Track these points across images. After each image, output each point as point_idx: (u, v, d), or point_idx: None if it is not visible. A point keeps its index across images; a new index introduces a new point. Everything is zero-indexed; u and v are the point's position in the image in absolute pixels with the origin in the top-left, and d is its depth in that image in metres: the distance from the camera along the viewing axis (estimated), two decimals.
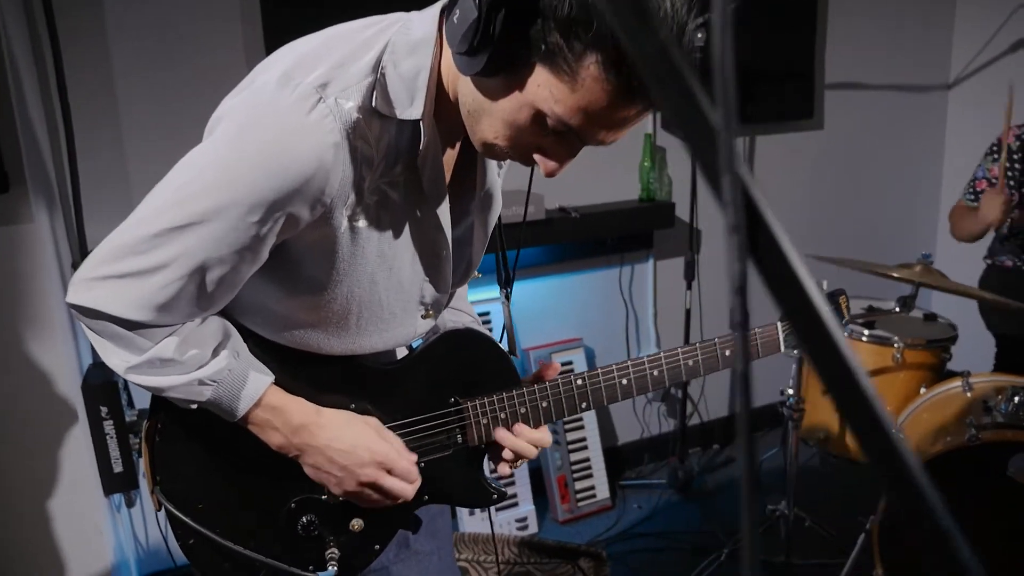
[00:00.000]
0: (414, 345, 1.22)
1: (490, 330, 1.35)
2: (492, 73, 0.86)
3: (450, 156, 1.06)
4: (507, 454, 1.17)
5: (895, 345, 2.47)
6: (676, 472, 3.06)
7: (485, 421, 1.16)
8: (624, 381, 1.21)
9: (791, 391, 2.41)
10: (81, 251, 2.14)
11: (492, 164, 1.14)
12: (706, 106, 0.30)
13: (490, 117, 0.91)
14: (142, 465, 1.12)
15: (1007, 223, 2.52)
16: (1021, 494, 1.91)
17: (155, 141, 2.22)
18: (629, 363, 1.21)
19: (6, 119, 1.76)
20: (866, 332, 2.53)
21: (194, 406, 1.01)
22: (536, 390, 1.17)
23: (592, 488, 2.95)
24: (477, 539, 2.35)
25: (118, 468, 1.95)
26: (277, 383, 1.04)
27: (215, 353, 1.00)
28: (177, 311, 0.95)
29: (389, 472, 1.07)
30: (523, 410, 1.16)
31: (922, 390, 2.45)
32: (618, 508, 2.98)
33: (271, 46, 2.31)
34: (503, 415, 1.16)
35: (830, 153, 3.40)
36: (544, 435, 1.19)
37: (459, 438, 1.16)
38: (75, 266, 2.11)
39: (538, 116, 0.88)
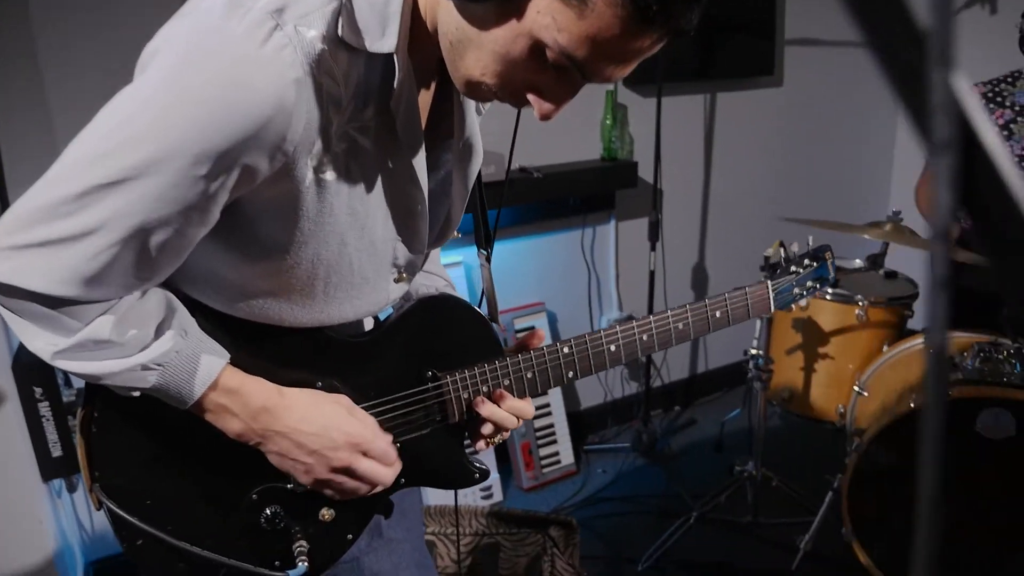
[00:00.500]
0: (382, 316, 1.10)
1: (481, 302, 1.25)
2: None
3: (424, 98, 0.94)
4: (487, 428, 1.07)
5: (859, 303, 2.47)
6: (640, 435, 3.04)
7: (466, 396, 1.06)
8: (612, 348, 1.13)
9: (757, 351, 2.38)
10: (2, 202, 1.94)
11: (471, 108, 1.00)
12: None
13: (478, 50, 0.79)
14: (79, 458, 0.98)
15: None
16: (990, 449, 1.92)
17: (81, 80, 2.00)
18: (618, 328, 1.14)
19: None
20: (830, 291, 2.52)
21: (136, 393, 0.88)
22: (520, 360, 1.08)
23: (556, 454, 2.91)
24: (444, 511, 2.28)
25: (56, 452, 1.80)
26: (233, 363, 0.91)
27: (159, 332, 0.86)
28: (111, 284, 0.80)
29: (365, 454, 0.96)
30: (506, 382, 1.07)
31: (884, 348, 2.46)
32: (583, 473, 2.95)
33: None
34: (485, 388, 1.06)
35: (790, 109, 3.37)
36: (528, 406, 1.09)
37: (438, 415, 1.06)
38: None
39: (536, 48, 0.77)
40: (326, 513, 1.03)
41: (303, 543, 1.01)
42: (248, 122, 0.73)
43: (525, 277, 2.91)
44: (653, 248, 2.84)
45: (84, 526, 2.26)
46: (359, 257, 0.91)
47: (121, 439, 0.95)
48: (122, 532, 0.96)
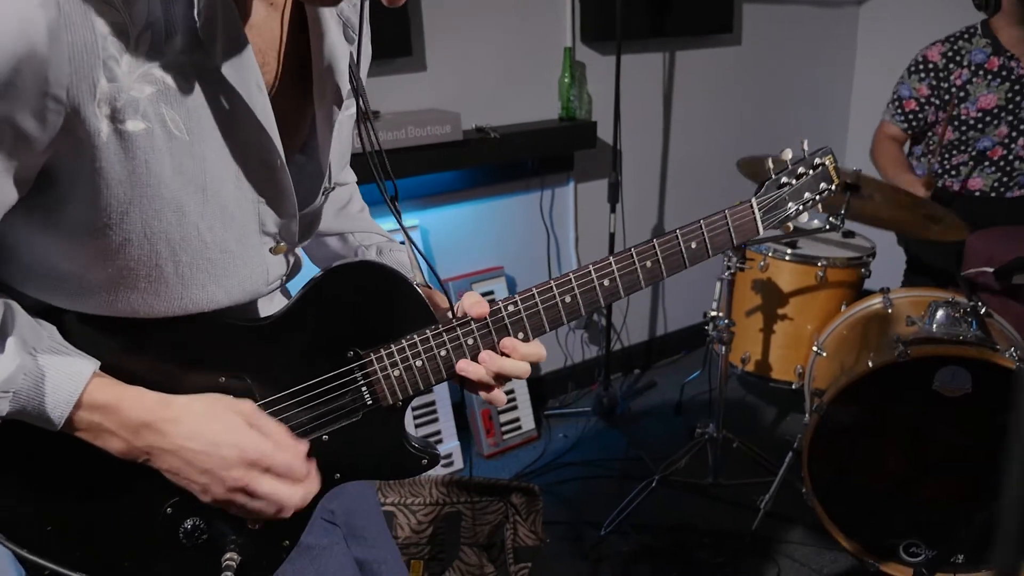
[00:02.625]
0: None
1: (422, 266, 1.10)
2: None
3: (272, 28, 0.81)
4: (480, 372, 0.94)
5: (819, 264, 2.47)
6: (600, 399, 3.02)
7: (397, 373, 0.93)
8: (568, 299, 0.97)
9: (717, 312, 2.37)
10: None
11: (333, 28, 0.86)
12: None
13: None
14: None
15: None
16: (947, 407, 1.94)
17: None
18: (572, 276, 0.97)
19: None
20: (789, 251, 2.52)
21: None
22: (457, 327, 0.93)
23: (517, 420, 2.88)
24: (402, 481, 2.24)
25: None
26: (118, 368, 0.80)
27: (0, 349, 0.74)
28: None
29: (267, 471, 0.84)
30: (443, 352, 0.94)
31: (842, 307, 2.47)
32: (544, 438, 2.93)
33: None
34: (419, 362, 0.93)
35: (748, 68, 3.33)
36: (539, 348, 0.96)
37: (368, 399, 0.93)
38: None
39: None
40: (254, 523, 0.92)
41: (233, 555, 0.90)
42: None
43: (483, 241, 2.84)
44: (613, 210, 2.80)
45: None
46: (209, 225, 0.78)
47: (4, 461, 0.83)
48: (25, 564, 0.85)
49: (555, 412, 3.09)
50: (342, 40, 0.87)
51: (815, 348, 2.39)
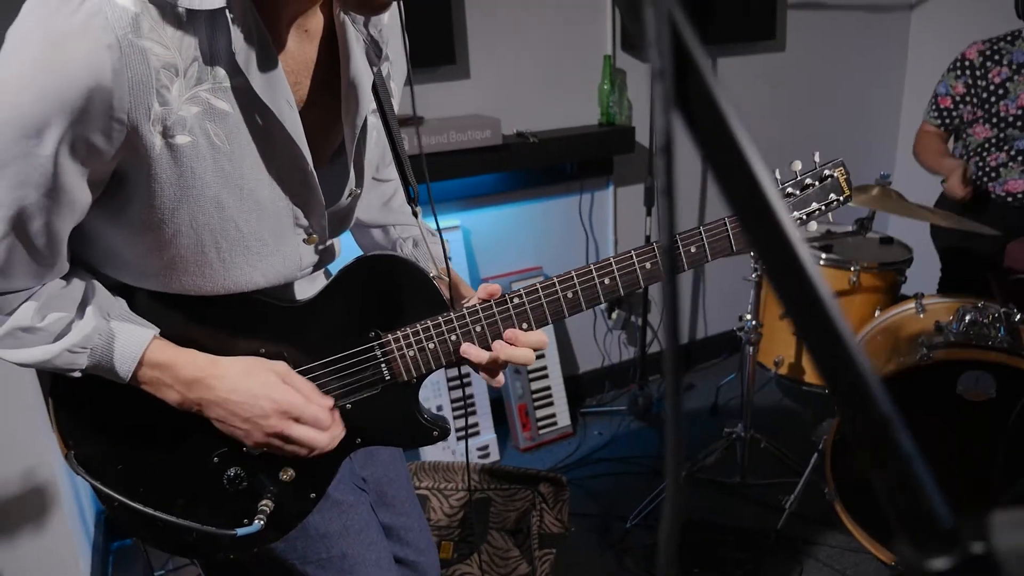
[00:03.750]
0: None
1: (449, 257, 1.22)
2: None
3: (306, 53, 0.93)
4: (484, 357, 1.05)
5: (852, 268, 2.48)
6: (636, 399, 3.08)
7: (412, 353, 1.05)
8: (570, 294, 1.06)
9: (749, 316, 2.41)
10: None
11: (357, 51, 0.98)
12: None
13: None
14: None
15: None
16: (971, 411, 1.95)
17: None
18: (573, 273, 1.06)
19: None
20: (823, 255, 2.53)
21: (78, 374, 0.93)
22: (467, 314, 1.04)
23: (553, 416, 2.97)
24: (437, 467, 2.35)
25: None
26: (178, 335, 0.96)
27: (80, 314, 0.91)
28: (17, 272, 0.86)
29: (297, 420, 0.98)
30: (453, 337, 1.05)
31: (876, 313, 2.48)
32: (579, 435, 3.01)
33: None
34: (431, 345, 1.05)
35: (792, 74, 3.35)
36: (542, 336, 1.06)
37: (386, 374, 1.06)
38: None
39: None
40: (286, 473, 1.06)
41: (268, 502, 1.05)
42: (69, 95, 0.75)
43: (522, 242, 2.94)
44: (649, 213, 2.86)
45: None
46: (246, 220, 0.91)
47: (85, 410, 1.00)
48: (100, 495, 1.02)
49: (591, 410, 3.16)
50: (365, 63, 0.99)
51: None
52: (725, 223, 1.12)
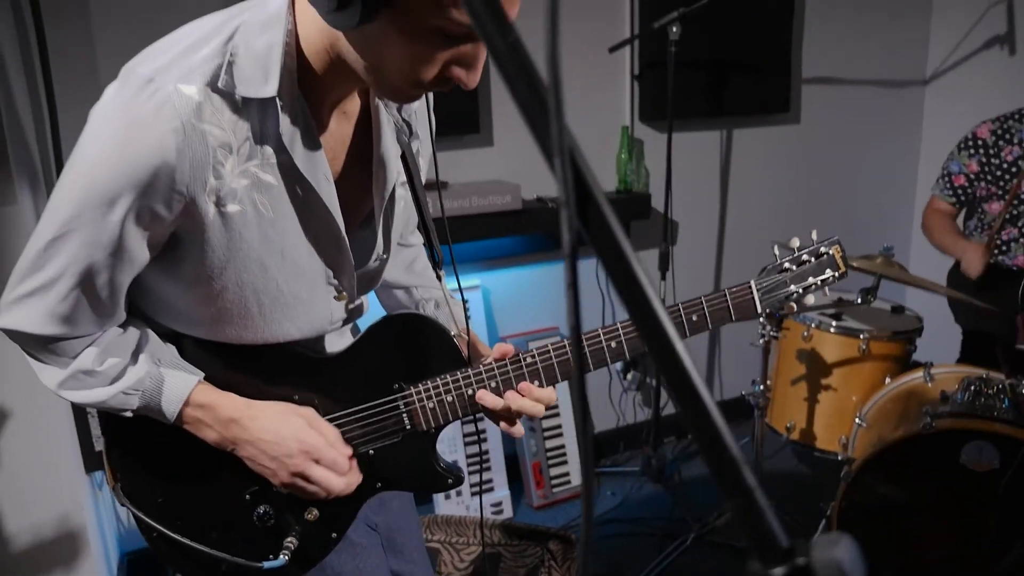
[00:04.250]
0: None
1: (469, 316, 1.32)
2: (371, 16, 0.81)
3: (343, 131, 1.04)
4: (499, 404, 1.14)
5: (861, 336, 2.53)
6: (650, 460, 3.12)
7: (431, 405, 1.15)
8: (614, 344, 1.15)
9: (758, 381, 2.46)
10: None
11: (387, 131, 1.08)
12: (550, 95, 0.34)
13: (393, 62, 0.87)
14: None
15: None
16: (974, 481, 1.97)
17: None
18: (583, 336, 1.14)
19: None
20: (834, 324, 2.59)
21: (129, 413, 1.04)
22: (483, 370, 1.14)
23: (567, 475, 3.01)
24: (449, 521, 2.41)
25: (99, 446, 1.99)
26: (220, 380, 1.06)
27: (134, 359, 1.02)
28: (82, 320, 0.98)
29: (318, 462, 1.07)
30: (470, 391, 1.15)
31: (887, 380, 2.51)
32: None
33: None
34: (450, 398, 1.15)
35: (806, 146, 3.45)
36: (551, 393, 1.16)
37: (407, 423, 1.15)
38: None
39: (437, 32, 0.83)
40: (311, 513, 1.15)
41: (292, 539, 1.14)
42: (139, 171, 0.86)
43: (540, 302, 3.04)
44: (663, 278, 2.95)
45: (121, 518, 2.45)
46: (285, 279, 1.02)
47: (133, 446, 1.12)
48: (140, 525, 1.13)
49: (605, 470, 3.20)
50: (394, 142, 1.11)
51: (857, 419, 2.44)
52: (725, 294, 1.21)
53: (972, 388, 2.11)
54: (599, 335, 1.16)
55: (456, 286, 1.25)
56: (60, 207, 0.91)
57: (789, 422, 2.73)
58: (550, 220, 2.80)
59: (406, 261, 1.35)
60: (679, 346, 0.38)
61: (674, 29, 2.65)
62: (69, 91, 2.17)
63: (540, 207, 2.78)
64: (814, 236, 1.29)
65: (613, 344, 1.16)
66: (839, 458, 2.58)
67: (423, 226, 1.21)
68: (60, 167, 2.14)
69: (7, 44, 1.96)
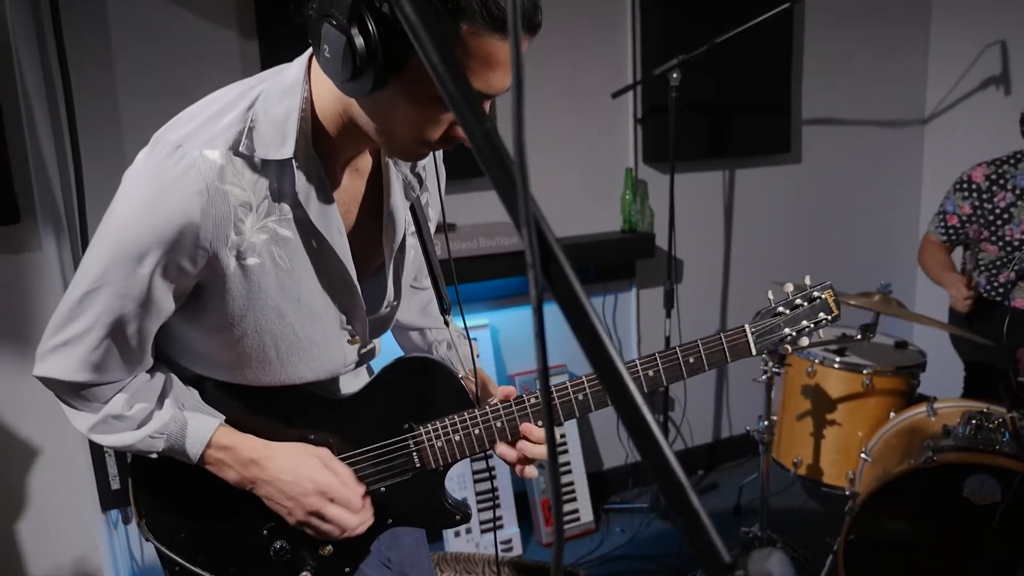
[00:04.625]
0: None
1: (478, 355, 1.38)
2: (382, 84, 0.87)
3: (356, 187, 1.12)
4: (513, 455, 1.20)
5: (864, 372, 2.56)
6: (659, 497, 3.13)
7: (440, 444, 1.20)
8: (580, 396, 1.20)
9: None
10: None
11: (396, 187, 1.15)
12: (516, 173, 0.41)
13: (402, 125, 0.94)
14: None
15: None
16: (976, 514, 1.99)
17: None
18: (584, 378, 1.19)
19: (19, 155, 1.89)
20: (837, 359, 2.62)
21: (155, 455, 1.11)
22: (488, 411, 1.20)
23: (576, 511, 3.03)
24: (459, 558, 2.43)
25: (115, 485, 2.05)
26: (240, 422, 1.13)
27: (160, 404, 1.09)
28: (113, 368, 1.05)
29: (332, 501, 1.13)
30: (476, 431, 1.20)
31: (891, 415, 2.54)
32: (601, 531, 3.06)
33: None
34: (457, 437, 1.20)
35: (808, 185, 3.52)
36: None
37: (416, 462, 1.21)
38: None
39: (440, 98, 0.84)
40: (326, 548, 1.21)
41: (307, 574, 1.20)
42: (166, 230, 0.94)
43: (548, 340, 3.06)
44: (668, 315, 3.00)
45: (135, 556, 2.50)
46: (301, 325, 1.08)
47: (158, 484, 1.19)
48: (163, 559, 1.19)
49: (614, 507, 3.22)
50: (403, 196, 1.18)
51: (863, 454, 2.46)
52: (720, 337, 1.26)
53: (973, 422, 2.14)
54: (590, 380, 1.21)
55: (465, 327, 1.30)
56: (94, 263, 0.99)
57: (796, 457, 2.75)
58: None
59: (421, 304, 1.41)
60: (631, 385, 0.43)
61: (674, 75, 2.74)
62: (93, 139, 2.28)
63: None
64: (807, 280, 1.33)
65: (651, 373, 1.22)
66: (847, 493, 2.60)
67: (431, 274, 1.28)
68: (83, 215, 2.24)
69: (35, 94, 2.07)
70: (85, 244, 2.25)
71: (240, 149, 0.96)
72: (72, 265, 2.29)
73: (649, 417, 0.43)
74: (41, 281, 1.97)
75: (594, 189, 3.07)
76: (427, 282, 1.42)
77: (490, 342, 2.95)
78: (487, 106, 0.96)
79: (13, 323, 1.94)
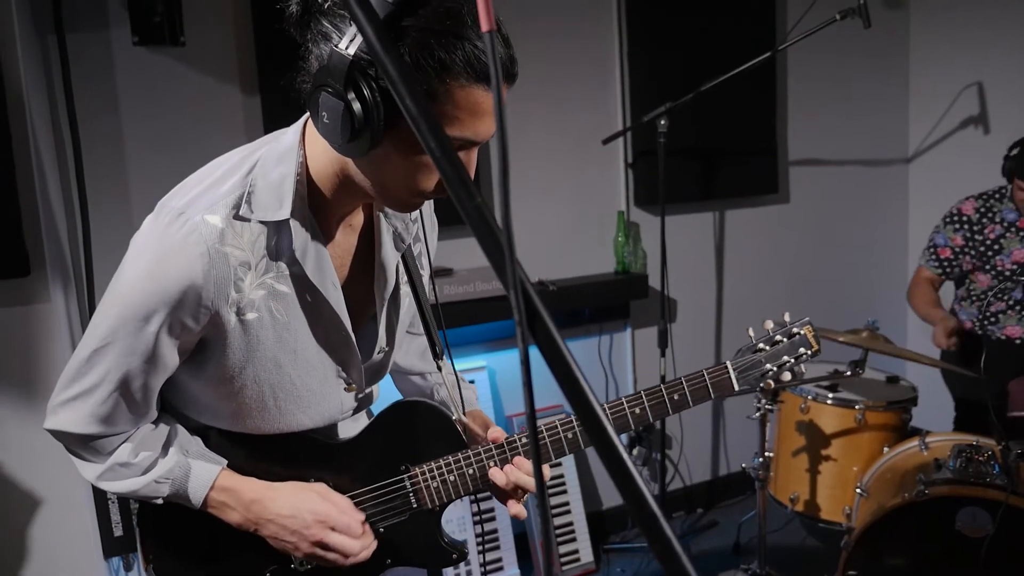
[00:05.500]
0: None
1: (463, 400, 1.43)
2: (378, 143, 0.93)
3: (349, 242, 1.17)
4: (503, 479, 1.22)
5: (856, 407, 2.61)
6: None
7: (435, 485, 1.24)
8: (570, 435, 1.25)
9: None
10: None
11: (387, 240, 1.21)
12: (505, 244, 0.47)
13: (396, 178, 1.00)
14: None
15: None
16: (969, 546, 2.01)
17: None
18: (572, 417, 1.23)
19: (30, 210, 1.96)
20: (830, 395, 2.67)
21: (160, 501, 1.16)
22: (481, 451, 1.25)
23: (576, 552, 3.04)
24: None
25: (118, 532, 2.08)
26: (242, 467, 1.18)
27: (164, 451, 1.14)
28: (120, 420, 1.10)
29: (333, 529, 1.17)
30: (471, 471, 1.24)
31: (885, 450, 2.57)
32: (602, 572, 3.06)
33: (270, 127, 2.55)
34: (452, 477, 1.24)
35: (797, 224, 3.60)
36: (545, 470, 1.27)
37: (413, 502, 1.25)
38: None
39: None
40: None
41: None
42: (171, 291, 1.00)
43: (544, 381, 3.08)
44: (663, 354, 3.05)
45: None
46: (298, 375, 1.14)
47: (165, 529, 1.23)
48: None
49: (615, 547, 3.22)
50: (393, 249, 1.24)
51: (858, 489, 2.49)
52: (703, 374, 1.31)
53: (963, 455, 2.18)
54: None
55: (459, 367, 1.36)
56: (102, 322, 1.05)
57: (793, 494, 2.77)
58: (552, 302, 2.93)
59: (419, 349, 1.46)
60: (607, 424, 0.49)
61: (662, 121, 2.84)
62: (100, 190, 2.36)
63: (541, 290, 2.92)
64: (786, 317, 1.38)
65: (637, 411, 1.27)
66: (844, 528, 2.62)
67: (423, 321, 1.33)
68: (90, 265, 2.30)
69: (45, 147, 2.15)
70: (92, 294, 2.31)
71: (240, 212, 1.03)
72: (79, 316, 2.34)
73: (623, 454, 0.49)
74: (50, 332, 2.03)
75: (588, 232, 3.15)
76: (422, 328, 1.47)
77: (488, 383, 2.99)
78: (475, 153, 1.02)
79: (23, 373, 1.99)
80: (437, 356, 1.34)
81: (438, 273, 2.70)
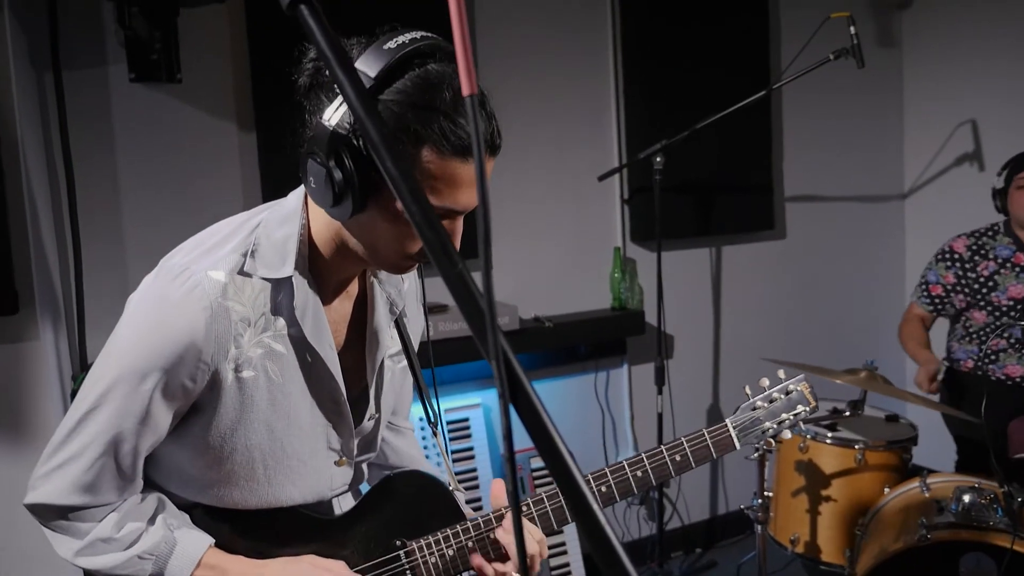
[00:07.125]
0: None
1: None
2: (363, 207, 0.95)
3: (344, 308, 1.17)
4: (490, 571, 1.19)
5: (856, 447, 2.57)
6: None
7: (433, 560, 1.20)
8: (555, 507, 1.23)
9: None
10: (82, 364, 2.29)
11: (380, 307, 1.20)
12: (488, 311, 0.45)
13: (385, 241, 1.01)
14: None
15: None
16: None
17: (158, 258, 2.41)
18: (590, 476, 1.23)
19: (21, 247, 1.95)
20: (829, 435, 2.63)
21: None
22: (481, 524, 1.20)
23: None
24: None
25: None
26: (229, 546, 1.13)
27: (150, 524, 1.10)
28: (105, 489, 1.06)
29: None
30: (470, 544, 1.20)
31: (886, 490, 2.53)
32: None
33: (266, 172, 2.55)
34: (450, 552, 1.20)
35: (793, 261, 3.60)
36: (539, 537, 1.21)
37: None
38: (75, 378, 2.25)
39: None
40: None
41: None
42: (171, 349, 0.99)
43: None
44: (660, 391, 3.02)
45: None
46: (290, 441, 1.11)
47: None
48: None
49: None
50: (386, 315, 1.23)
51: (858, 531, 2.45)
52: (704, 434, 1.31)
53: (965, 499, 2.14)
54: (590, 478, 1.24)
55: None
56: (96, 383, 1.03)
57: (793, 535, 2.72)
58: (547, 339, 2.91)
59: (414, 445, 1.44)
60: (587, 493, 0.47)
61: (658, 158, 2.84)
62: (93, 227, 2.34)
63: (537, 327, 2.90)
64: (781, 375, 1.39)
65: (603, 488, 1.26)
66: (845, 573, 2.57)
67: (417, 386, 1.32)
68: (81, 303, 2.28)
69: (38, 184, 2.14)
70: (83, 333, 2.28)
71: (243, 268, 1.03)
72: (69, 354, 2.32)
73: (608, 532, 0.47)
74: (39, 370, 2.00)
75: (584, 268, 3.14)
76: (405, 422, 1.45)
77: (483, 421, 2.96)
78: (459, 222, 1.03)
79: (11, 412, 1.96)
80: (433, 425, 1.31)
81: (432, 309, 2.68)
